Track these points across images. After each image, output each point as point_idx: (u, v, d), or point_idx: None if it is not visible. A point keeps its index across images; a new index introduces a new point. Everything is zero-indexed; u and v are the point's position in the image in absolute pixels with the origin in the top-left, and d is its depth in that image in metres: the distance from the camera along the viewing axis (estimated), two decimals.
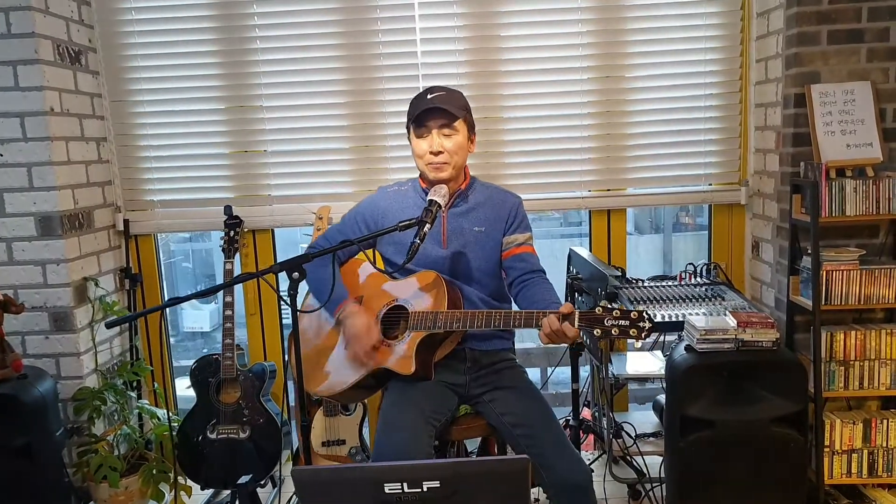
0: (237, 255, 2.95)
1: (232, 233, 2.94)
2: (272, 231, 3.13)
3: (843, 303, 2.45)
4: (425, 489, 1.20)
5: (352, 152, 3.00)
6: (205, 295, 1.82)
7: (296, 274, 1.78)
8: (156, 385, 3.13)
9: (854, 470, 2.52)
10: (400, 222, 1.84)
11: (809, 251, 2.51)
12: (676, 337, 3.05)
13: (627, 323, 1.70)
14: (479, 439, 2.36)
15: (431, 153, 1.96)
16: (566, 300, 2.77)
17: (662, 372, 2.77)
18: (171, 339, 3.34)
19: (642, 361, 2.98)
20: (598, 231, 3.06)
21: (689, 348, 2.41)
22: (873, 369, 2.50)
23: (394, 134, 2.97)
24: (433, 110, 1.94)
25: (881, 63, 2.53)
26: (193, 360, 2.88)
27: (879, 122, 2.51)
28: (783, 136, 2.66)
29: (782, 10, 2.61)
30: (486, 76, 2.90)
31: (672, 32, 2.87)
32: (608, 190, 2.99)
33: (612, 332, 1.70)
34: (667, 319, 2.61)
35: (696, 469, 2.36)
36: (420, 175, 2.10)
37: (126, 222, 3.07)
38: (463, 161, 2.04)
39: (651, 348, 3.13)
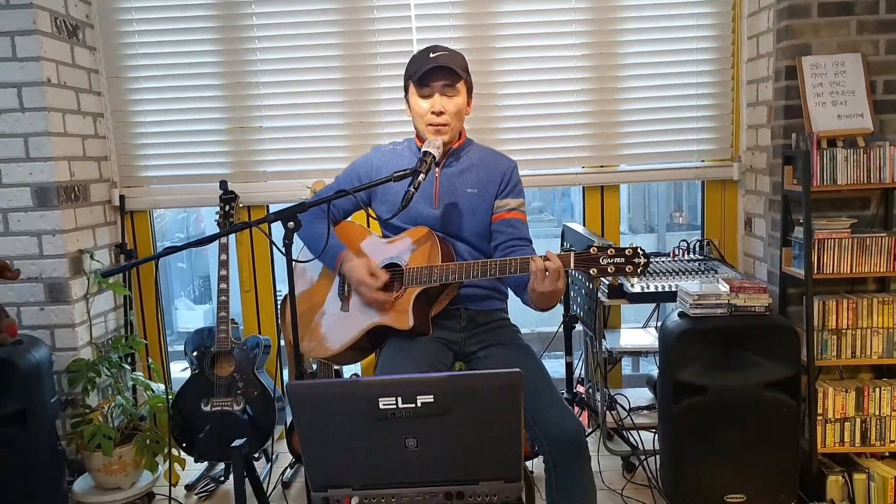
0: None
1: (227, 207, 2.93)
2: (267, 207, 3.14)
3: (835, 271, 2.47)
4: (419, 404, 1.21)
5: (346, 128, 3.02)
6: (202, 244, 1.83)
7: (291, 223, 1.78)
8: (150, 361, 3.13)
9: (847, 439, 2.53)
10: (394, 172, 1.85)
11: (801, 221, 2.54)
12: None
13: (622, 260, 1.70)
14: None
15: (433, 113, 1.97)
16: None
17: (656, 346, 2.80)
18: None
19: (636, 336, 3.00)
20: (592, 208, 3.08)
21: (682, 314, 2.43)
22: (866, 338, 2.51)
23: (388, 110, 2.99)
24: (438, 69, 1.95)
25: (871, 35, 2.56)
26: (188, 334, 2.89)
27: (870, 93, 2.54)
28: (774, 109, 2.68)
29: None
30: (481, 52, 2.93)
31: (664, 9, 2.90)
32: (601, 167, 3.01)
33: (609, 269, 1.70)
34: (661, 290, 2.64)
35: (689, 435, 2.37)
36: (416, 134, 2.11)
37: (122, 198, 3.07)
38: (461, 123, 2.05)
39: (644, 324, 3.15)
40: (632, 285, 2.67)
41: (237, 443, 2.45)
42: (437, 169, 2.05)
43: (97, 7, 2.98)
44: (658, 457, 2.62)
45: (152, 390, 2.87)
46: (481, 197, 2.05)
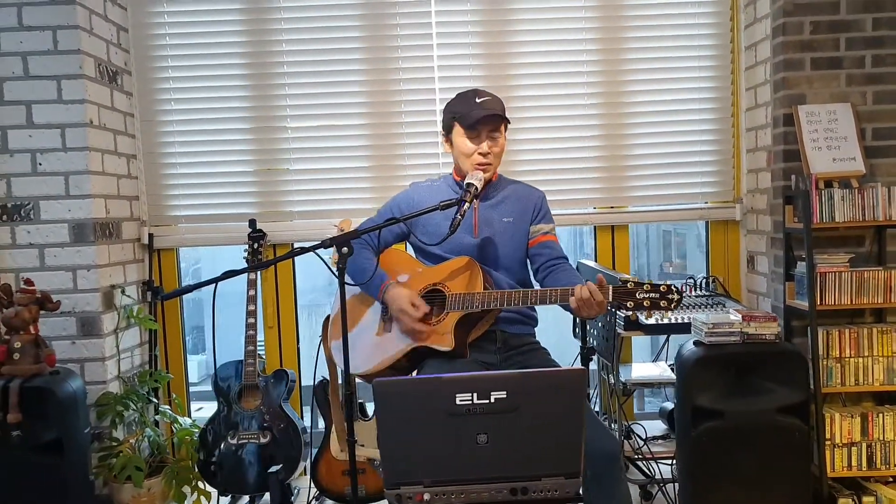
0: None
1: (256, 245, 3.06)
2: (292, 245, 3.26)
3: (836, 303, 2.64)
4: (492, 399, 1.32)
5: (370, 170, 3.18)
6: (261, 267, 1.95)
7: (345, 249, 1.92)
8: (174, 395, 3.18)
9: (854, 463, 2.65)
10: (441, 202, 2.00)
11: (803, 257, 2.72)
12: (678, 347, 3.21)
13: (658, 295, 1.86)
14: None
15: (480, 154, 2.15)
16: None
17: (667, 377, 2.93)
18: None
19: (648, 369, 3.12)
20: (603, 246, 3.25)
21: (697, 343, 2.57)
22: (867, 366, 2.67)
23: (411, 154, 3.16)
24: (489, 117, 2.12)
25: (859, 87, 2.80)
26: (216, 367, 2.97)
27: (860, 139, 2.76)
28: (774, 154, 2.89)
29: (769, 41, 2.88)
30: (498, 92, 3.12)
31: (670, 62, 3.13)
32: (612, 207, 3.19)
33: (644, 303, 1.86)
34: (674, 322, 2.78)
35: (707, 459, 2.48)
36: (454, 170, 2.28)
37: (150, 236, 3.18)
38: (500, 161, 2.22)
39: (655, 358, 3.28)
40: (646, 318, 2.81)
41: (274, 469, 2.53)
42: (476, 202, 2.21)
43: (135, 55, 3.15)
44: (676, 484, 2.71)
45: (179, 423, 2.92)
46: (516, 225, 2.21)
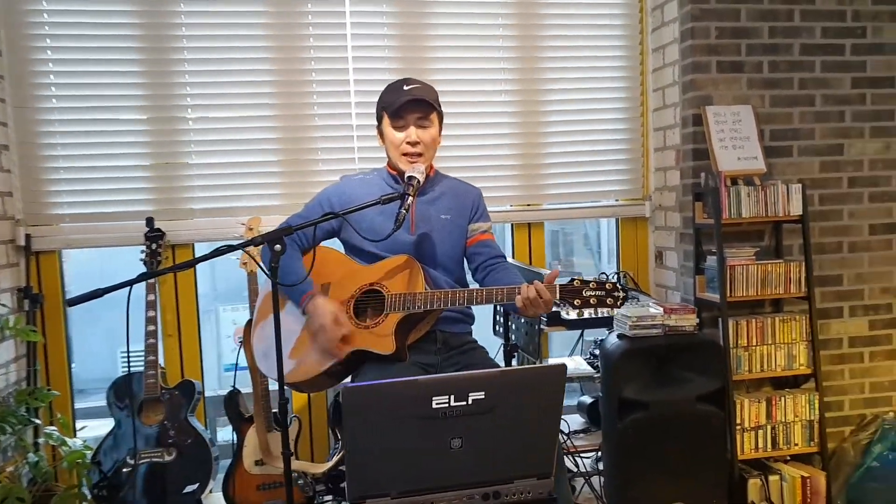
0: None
1: (154, 245, 2.81)
2: (193, 246, 3.02)
3: (744, 295, 2.77)
4: (470, 401, 1.24)
5: (280, 165, 3.00)
6: (203, 260, 1.76)
7: (278, 246, 1.77)
8: (59, 415, 2.84)
9: (760, 445, 2.79)
10: (383, 196, 1.89)
11: (713, 251, 2.84)
12: (592, 340, 3.28)
13: (604, 293, 1.85)
14: None
15: (408, 143, 2.05)
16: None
17: (584, 371, 2.97)
18: None
19: (566, 363, 3.14)
20: (520, 244, 3.25)
21: (621, 336, 2.61)
22: (770, 353, 2.82)
23: (325, 147, 3.01)
24: (413, 102, 2.03)
25: (758, 91, 2.96)
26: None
27: (760, 139, 2.92)
28: (683, 152, 3.00)
29: (677, 44, 2.99)
30: None
31: (584, 62, 3.18)
32: (528, 205, 3.20)
33: (591, 301, 1.84)
34: (595, 316, 2.81)
35: (633, 450, 2.52)
36: (388, 163, 2.17)
37: (28, 237, 2.83)
38: (433, 153, 2.14)
39: (570, 353, 3.32)
40: (567, 313, 2.84)
41: (190, 489, 2.31)
42: (413, 199, 2.11)
43: (5, 33, 2.79)
44: (600, 477, 2.74)
45: (68, 445, 2.61)
46: (454, 222, 2.13)
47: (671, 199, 3.13)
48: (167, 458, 2.63)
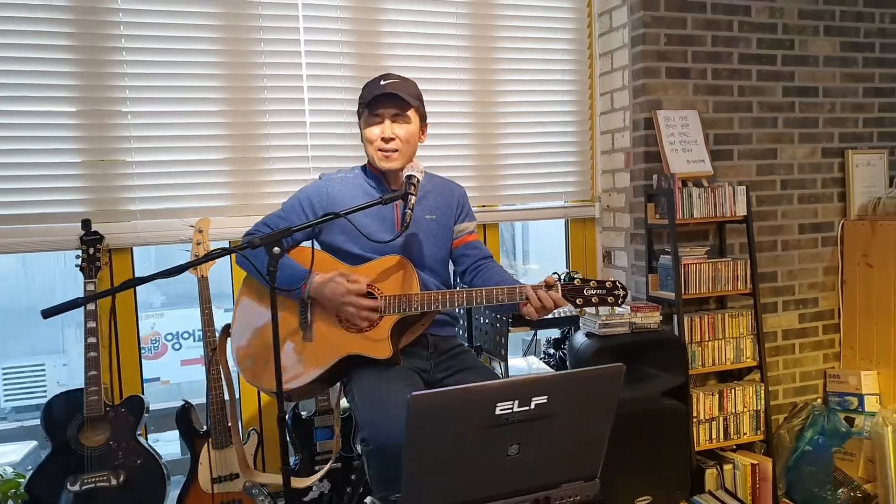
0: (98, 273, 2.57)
1: (91, 250, 2.57)
2: (131, 249, 2.79)
3: (697, 292, 2.88)
4: (533, 406, 1.20)
5: (229, 163, 2.82)
6: (171, 274, 1.60)
7: (276, 249, 1.66)
8: None
9: (714, 436, 2.91)
10: (382, 196, 1.81)
11: (666, 250, 2.93)
12: (545, 340, 3.32)
13: (604, 291, 1.86)
14: None
15: (383, 139, 1.98)
16: None
17: (542, 370, 2.99)
18: None
19: (520, 364, 3.16)
20: None
21: (590, 334, 2.64)
22: (721, 347, 2.95)
23: (276, 146, 2.87)
24: (388, 96, 1.96)
25: (703, 97, 3.09)
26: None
27: (706, 143, 3.05)
28: (634, 155, 3.09)
29: (627, 49, 3.08)
30: None
31: (535, 65, 3.20)
32: (483, 206, 3.18)
33: (593, 300, 1.84)
34: (560, 316, 2.84)
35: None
36: (368, 161, 2.08)
37: None
38: (413, 151, 2.07)
39: (525, 353, 3.34)
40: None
41: None
42: (413, 197, 2.04)
43: None
44: None
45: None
46: (440, 222, 2.08)
47: (620, 200, 3.21)
48: (114, 482, 2.41)
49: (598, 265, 3.43)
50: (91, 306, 2.50)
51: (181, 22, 2.72)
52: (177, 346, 9.13)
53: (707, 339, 2.93)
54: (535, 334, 3.30)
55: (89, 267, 2.54)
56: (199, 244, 2.68)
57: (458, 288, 2.11)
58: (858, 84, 3.32)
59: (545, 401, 1.22)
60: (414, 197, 1.86)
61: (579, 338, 2.68)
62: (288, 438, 2.75)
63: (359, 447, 2.61)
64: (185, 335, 9.22)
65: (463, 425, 1.20)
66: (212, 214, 2.76)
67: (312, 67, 2.89)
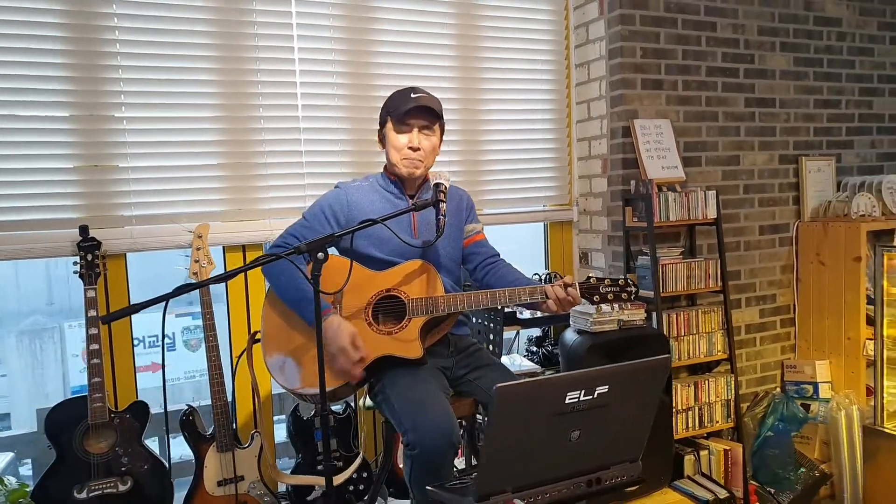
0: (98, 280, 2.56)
1: (90, 256, 2.55)
2: (125, 257, 2.78)
3: (675, 290, 3.08)
4: (596, 395, 1.32)
5: (224, 168, 2.85)
6: (218, 281, 1.65)
7: (321, 254, 1.73)
8: None
9: (691, 425, 3.12)
10: (413, 202, 1.91)
11: (644, 251, 3.12)
12: (526, 338, 3.45)
13: (618, 288, 2.00)
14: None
15: (410, 148, 2.07)
16: None
17: (527, 368, 3.12)
18: None
19: (506, 362, 3.29)
20: None
21: (581, 332, 2.79)
22: (695, 341, 3.16)
23: (271, 151, 2.90)
24: (419, 109, 2.06)
25: (674, 107, 3.30)
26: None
27: (679, 150, 3.25)
28: (612, 161, 3.27)
29: (604, 61, 3.25)
30: (361, 100, 3.03)
31: (518, 74, 3.34)
32: None
33: (609, 296, 1.98)
34: (547, 315, 2.98)
35: None
36: (385, 168, 2.17)
37: None
38: (432, 162, 2.17)
39: (508, 352, 3.47)
40: (521, 313, 2.99)
41: None
42: (411, 202, 2.14)
43: None
44: None
45: (5, 484, 2.30)
46: (452, 225, 2.19)
47: (597, 204, 3.39)
48: (122, 489, 2.41)
49: (574, 266, 3.60)
50: (92, 312, 2.49)
51: (177, 28, 2.73)
52: None
53: (683, 333, 3.13)
54: (518, 333, 3.44)
55: (89, 273, 2.52)
56: (198, 249, 2.70)
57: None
58: (809, 96, 3.61)
59: (606, 390, 1.35)
60: (444, 204, 1.96)
61: (570, 335, 2.82)
62: (289, 439, 2.80)
63: (360, 451, 2.68)
64: (135, 341, 9.01)
65: (536, 413, 1.31)
66: (207, 220, 2.78)
67: (306, 75, 2.94)
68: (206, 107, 2.80)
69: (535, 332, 3.51)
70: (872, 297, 3.46)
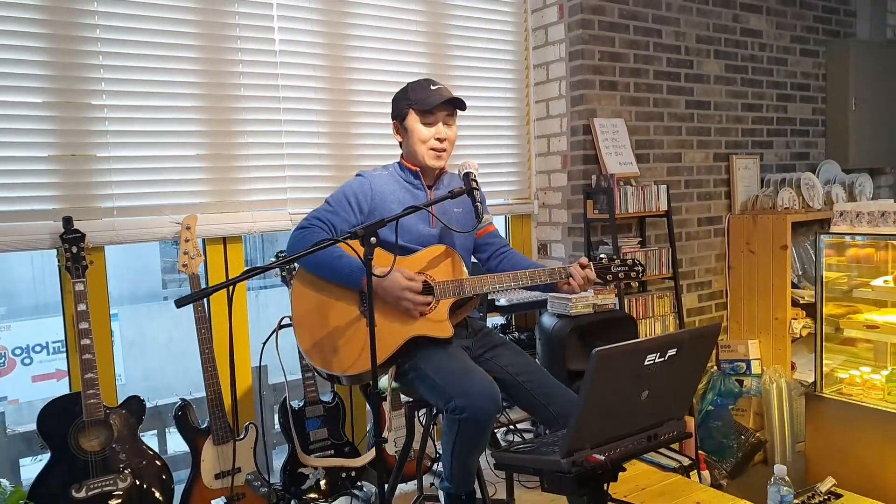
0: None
1: (75, 248, 2.45)
2: (103, 249, 2.68)
3: None
4: (667, 357, 1.47)
5: (207, 159, 2.80)
6: (282, 264, 1.68)
7: (373, 239, 1.80)
8: None
9: None
10: (450, 191, 2.00)
11: (605, 242, 3.35)
12: (491, 326, 3.59)
13: (627, 268, 2.18)
14: None
15: (437, 139, 2.16)
16: None
17: None
18: None
19: None
20: None
21: (561, 315, 2.97)
22: (651, 324, 3.42)
23: (253, 143, 2.89)
24: (446, 102, 2.14)
25: (627, 107, 3.56)
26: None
27: (632, 148, 3.52)
28: (572, 158, 3.48)
29: (564, 62, 3.46)
30: (339, 94, 3.07)
31: (483, 73, 3.49)
32: None
33: (619, 275, 2.16)
34: (524, 301, 3.15)
35: None
36: (402, 158, 2.25)
37: None
38: (452, 151, 2.27)
39: None
40: (498, 300, 3.14)
41: None
42: (429, 192, 2.23)
43: None
44: None
45: (2, 486, 2.18)
46: (465, 214, 2.29)
47: (556, 198, 3.59)
48: (121, 486, 2.34)
49: (533, 257, 3.79)
50: (82, 306, 2.40)
51: (160, 16, 2.67)
52: (27, 361, 8.27)
53: (641, 317, 3.38)
54: (485, 320, 3.58)
55: (75, 266, 2.43)
56: (187, 241, 2.65)
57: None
58: (738, 100, 3.99)
59: (675, 353, 1.50)
60: (478, 192, 2.06)
61: (549, 320, 3.00)
62: (281, 429, 2.81)
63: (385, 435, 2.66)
64: (38, 348, 8.37)
65: (622, 375, 1.44)
66: (187, 212, 2.73)
67: (286, 67, 2.95)
68: (188, 96, 2.75)
69: (500, 320, 3.66)
70: (797, 282, 3.88)
